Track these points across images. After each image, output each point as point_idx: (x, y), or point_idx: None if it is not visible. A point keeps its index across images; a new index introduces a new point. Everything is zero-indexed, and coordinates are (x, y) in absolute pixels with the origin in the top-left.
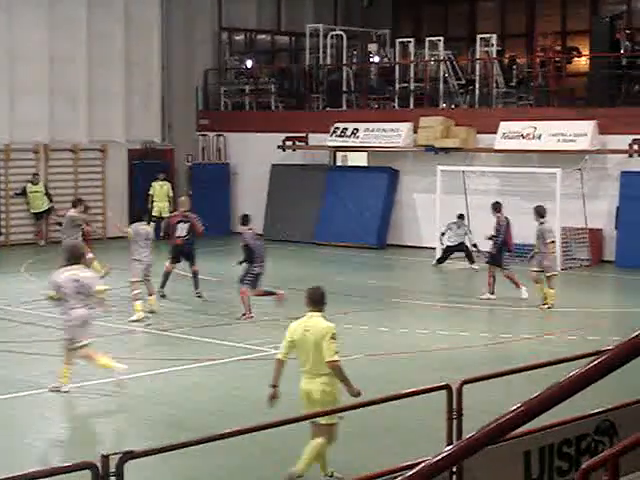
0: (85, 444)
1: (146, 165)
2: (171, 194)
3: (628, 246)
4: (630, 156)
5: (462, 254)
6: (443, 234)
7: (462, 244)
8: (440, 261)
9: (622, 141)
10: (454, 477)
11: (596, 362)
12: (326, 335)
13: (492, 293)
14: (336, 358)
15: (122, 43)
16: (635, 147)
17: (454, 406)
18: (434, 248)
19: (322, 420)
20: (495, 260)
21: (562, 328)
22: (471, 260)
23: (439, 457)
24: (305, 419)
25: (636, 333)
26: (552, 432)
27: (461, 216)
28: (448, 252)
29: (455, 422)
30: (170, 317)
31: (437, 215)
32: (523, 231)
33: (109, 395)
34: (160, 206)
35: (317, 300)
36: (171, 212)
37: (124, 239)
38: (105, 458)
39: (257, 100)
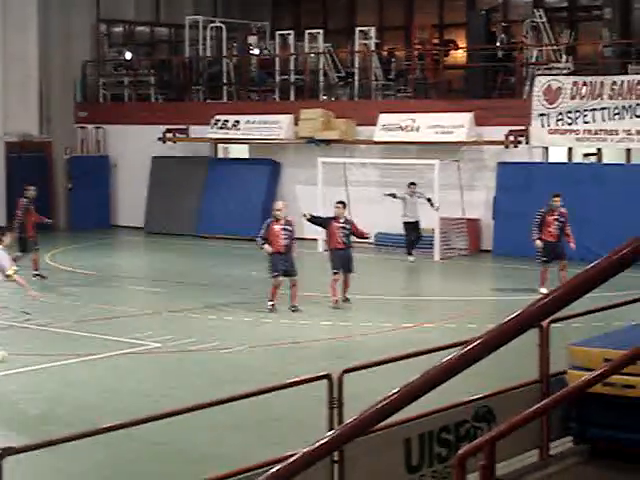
0: None
1: (24, 158)
2: None
3: (504, 235)
4: (506, 147)
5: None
6: (394, 195)
7: (417, 223)
8: (410, 252)
9: (498, 132)
10: (335, 466)
11: (470, 347)
12: None
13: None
14: None
15: None
16: (511, 138)
17: (335, 395)
18: (316, 239)
19: None
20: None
21: (441, 316)
22: (410, 250)
23: (318, 444)
24: (187, 412)
25: (507, 319)
26: (431, 419)
27: (413, 183)
28: (407, 232)
29: (336, 411)
30: (49, 312)
31: (319, 207)
32: (398, 222)
33: None
34: None
35: None
36: None
37: None
38: None
39: (137, 92)
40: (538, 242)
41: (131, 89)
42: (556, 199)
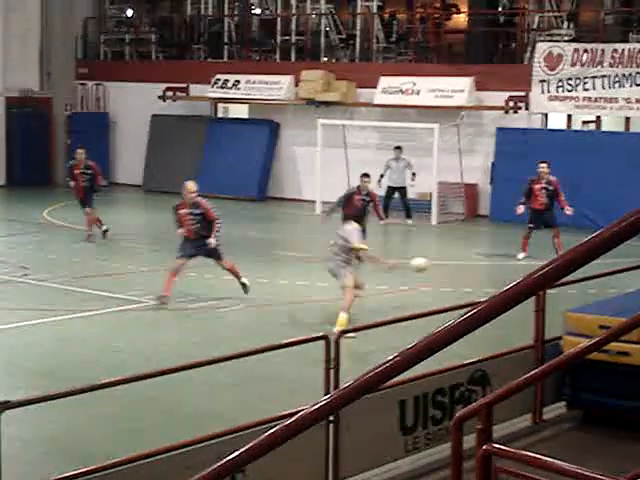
0: None
1: (24, 114)
2: None
3: (501, 201)
4: (506, 112)
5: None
6: (382, 176)
7: (404, 188)
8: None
9: (498, 98)
10: (331, 425)
11: (470, 314)
12: None
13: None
14: None
15: None
16: (511, 104)
17: (332, 356)
18: (314, 201)
19: None
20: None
21: (437, 280)
22: (408, 215)
23: (317, 406)
24: (185, 369)
25: (508, 287)
26: (427, 381)
27: (398, 147)
28: (390, 195)
29: (332, 372)
30: (48, 267)
31: (318, 168)
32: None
33: None
34: None
35: None
36: None
37: None
38: None
39: (137, 50)
40: (519, 209)
41: (132, 47)
42: (542, 166)
